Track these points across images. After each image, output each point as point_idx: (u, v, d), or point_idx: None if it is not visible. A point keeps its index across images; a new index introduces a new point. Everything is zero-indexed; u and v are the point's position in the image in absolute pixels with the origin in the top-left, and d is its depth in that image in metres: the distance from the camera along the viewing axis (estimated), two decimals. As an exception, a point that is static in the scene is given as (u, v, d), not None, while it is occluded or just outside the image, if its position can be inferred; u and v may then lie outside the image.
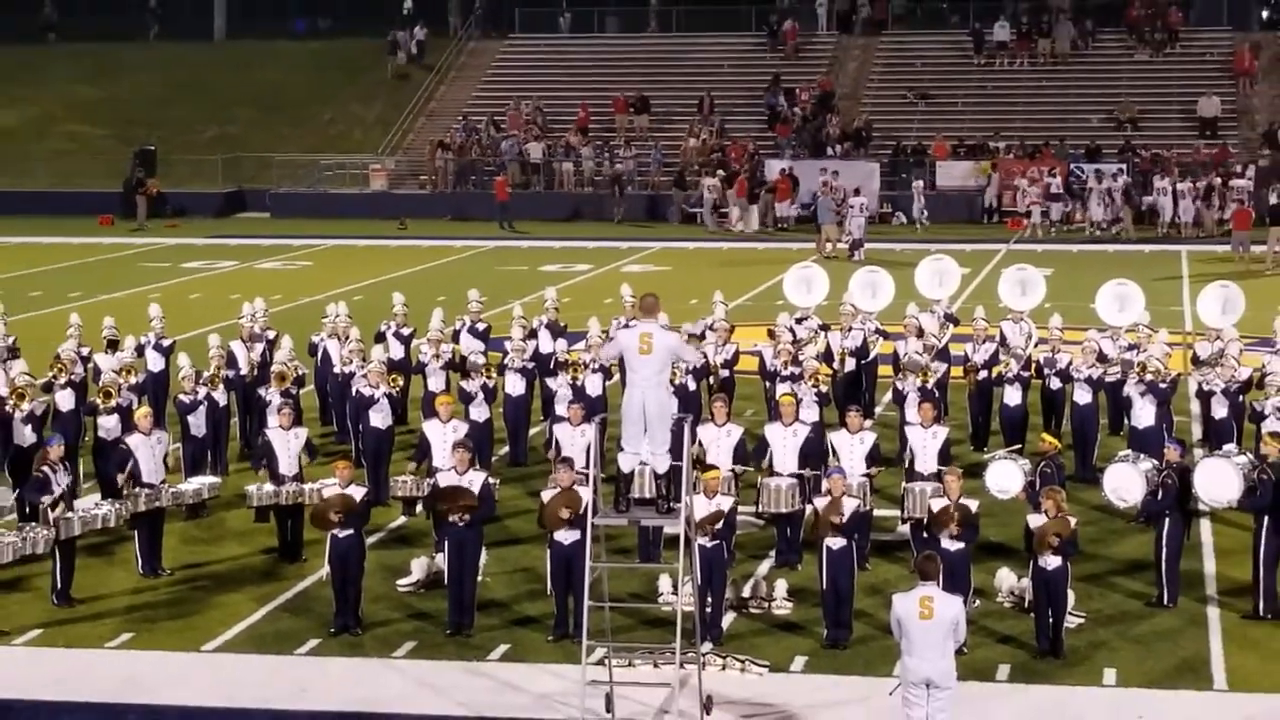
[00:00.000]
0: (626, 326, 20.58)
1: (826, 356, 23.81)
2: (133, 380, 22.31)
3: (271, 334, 24.52)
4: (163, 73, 67.02)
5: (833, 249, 44.91)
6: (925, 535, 16.94)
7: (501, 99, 62.44)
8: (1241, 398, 21.74)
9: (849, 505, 16.61)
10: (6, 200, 57.54)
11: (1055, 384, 22.99)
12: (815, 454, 18.54)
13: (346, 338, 24.27)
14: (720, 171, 54.13)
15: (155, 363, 23.93)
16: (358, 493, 17.20)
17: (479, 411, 21.32)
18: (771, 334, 24.61)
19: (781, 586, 17.69)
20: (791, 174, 54.27)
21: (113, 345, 24.07)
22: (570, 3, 68.33)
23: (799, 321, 25.25)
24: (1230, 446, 19.50)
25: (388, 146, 60.62)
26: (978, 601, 16.66)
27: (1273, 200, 45.50)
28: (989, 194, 53.60)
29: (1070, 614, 16.37)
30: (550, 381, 23.12)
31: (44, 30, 72.42)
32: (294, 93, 65.22)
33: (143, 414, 19.69)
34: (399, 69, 65.91)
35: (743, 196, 52.85)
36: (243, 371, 23.33)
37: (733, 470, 18.00)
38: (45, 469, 17.67)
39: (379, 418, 21.39)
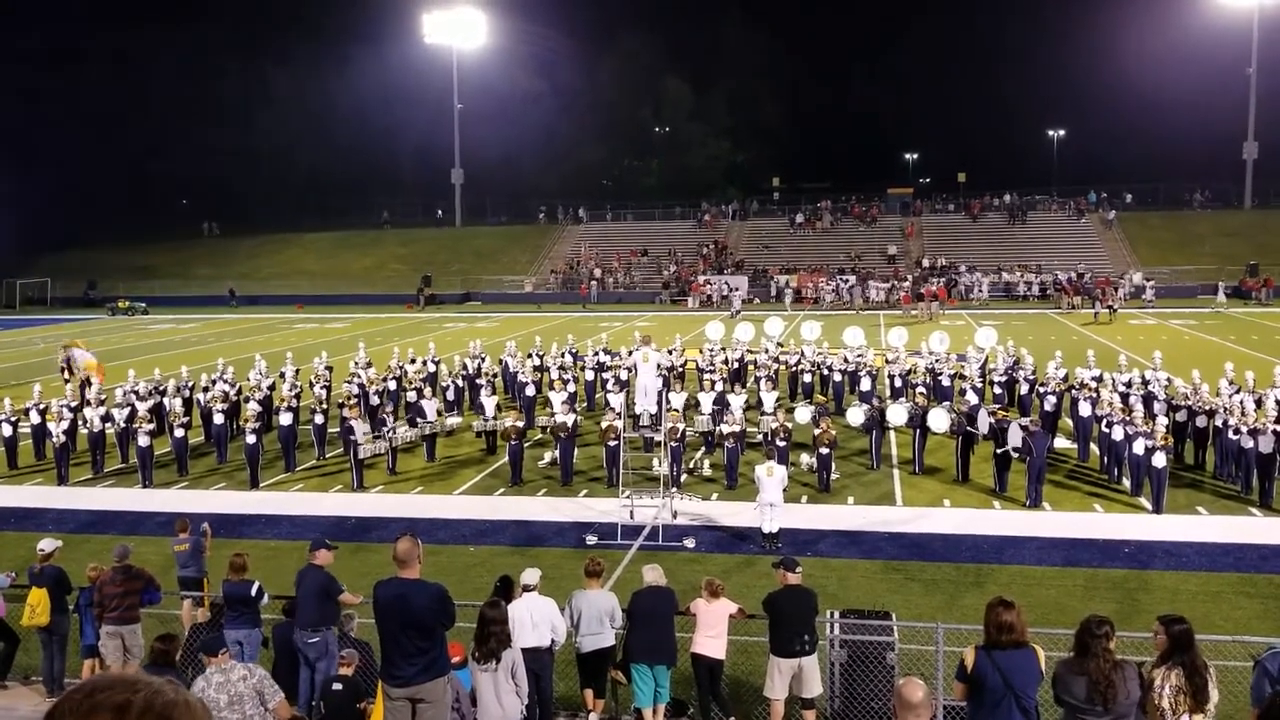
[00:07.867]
0: (637, 349, 20.56)
1: (724, 362, 23.77)
2: (422, 375, 22.34)
3: (483, 355, 24.51)
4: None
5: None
6: (769, 439, 16.99)
7: (579, 248, 61.97)
8: (908, 375, 21.65)
9: (738, 427, 16.66)
10: (366, 298, 57.29)
11: (825, 373, 22.93)
12: (721, 405, 18.54)
13: (515, 355, 24.20)
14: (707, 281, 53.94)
15: (430, 368, 23.96)
16: (520, 424, 17.23)
17: (572, 387, 21.33)
18: (700, 351, 24.55)
19: (706, 463, 17.77)
20: (708, 282, 54.00)
21: (413, 361, 24.10)
22: (611, 207, 68.05)
23: (711, 346, 25.17)
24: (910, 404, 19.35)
25: (532, 272, 60.34)
26: (793, 466, 16.63)
27: (918, 290, 46.41)
28: (790, 291, 52.48)
29: (833, 473, 16.39)
30: (604, 374, 23.09)
31: (383, 224, 72.43)
32: (491, 248, 64.75)
33: (427, 391, 19.86)
34: (537, 237, 65.54)
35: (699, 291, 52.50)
36: (469, 372, 23.33)
37: (684, 411, 17.99)
38: (384, 416, 17.74)
39: (530, 390, 21.45)
